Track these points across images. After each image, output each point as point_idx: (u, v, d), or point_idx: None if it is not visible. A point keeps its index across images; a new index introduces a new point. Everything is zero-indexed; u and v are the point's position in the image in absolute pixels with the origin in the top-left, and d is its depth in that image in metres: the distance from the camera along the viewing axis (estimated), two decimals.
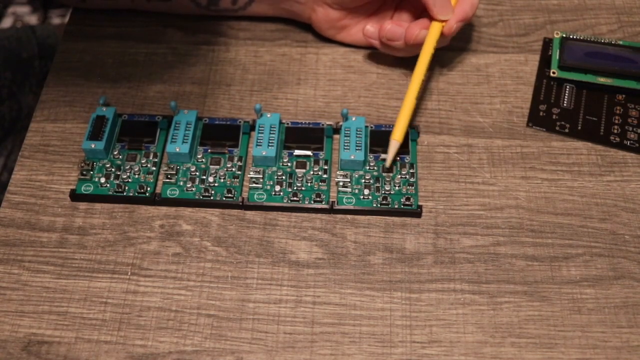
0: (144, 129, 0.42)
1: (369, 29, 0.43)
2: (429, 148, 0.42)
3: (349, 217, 0.39)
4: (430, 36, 0.41)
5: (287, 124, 0.42)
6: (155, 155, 0.41)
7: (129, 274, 0.37)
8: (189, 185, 0.40)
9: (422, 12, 0.43)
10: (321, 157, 0.41)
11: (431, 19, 0.41)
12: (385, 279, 0.37)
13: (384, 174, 0.40)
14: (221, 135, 0.42)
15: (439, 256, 0.37)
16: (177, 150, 0.40)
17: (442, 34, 0.41)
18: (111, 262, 0.37)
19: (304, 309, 0.36)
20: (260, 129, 0.41)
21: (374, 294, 0.36)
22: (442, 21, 0.41)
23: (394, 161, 0.40)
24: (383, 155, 0.40)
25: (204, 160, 0.41)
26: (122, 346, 0.35)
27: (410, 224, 0.39)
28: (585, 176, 0.40)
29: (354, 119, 0.42)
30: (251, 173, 0.40)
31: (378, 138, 0.41)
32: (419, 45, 0.41)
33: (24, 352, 0.34)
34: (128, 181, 0.40)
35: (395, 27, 0.41)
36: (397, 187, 0.39)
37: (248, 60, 0.46)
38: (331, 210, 0.39)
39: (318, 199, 0.39)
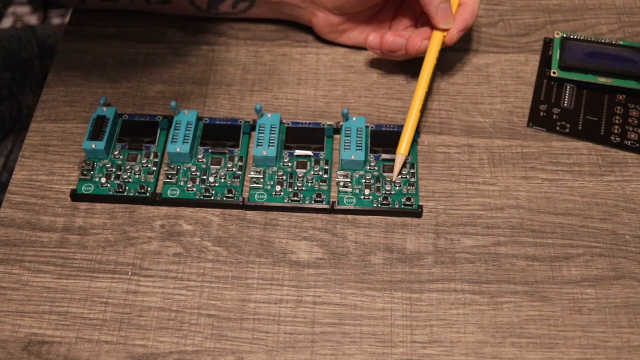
0: (145, 129, 0.42)
1: (371, 40, 0.43)
2: (430, 148, 0.42)
3: (349, 217, 0.39)
4: (432, 47, 0.41)
5: (288, 124, 0.42)
6: (155, 155, 0.41)
7: (130, 274, 0.37)
8: (189, 185, 0.40)
9: (420, 16, 0.44)
10: (322, 157, 0.41)
11: (432, 28, 0.41)
12: (385, 279, 0.37)
13: (385, 174, 0.40)
14: (222, 135, 0.42)
15: (440, 256, 0.37)
16: (178, 150, 0.40)
17: (443, 44, 0.41)
18: (112, 262, 0.37)
19: (305, 309, 0.36)
20: (260, 129, 0.41)
21: (374, 294, 0.36)
22: (444, 30, 0.41)
23: (394, 160, 0.40)
24: (384, 155, 0.40)
25: (204, 160, 0.41)
26: (123, 346, 0.35)
27: (410, 224, 0.39)
28: (586, 176, 0.40)
29: (354, 119, 0.42)
30: (252, 173, 0.40)
31: (378, 138, 0.41)
32: (420, 55, 0.41)
33: (25, 352, 0.34)
34: (128, 181, 0.40)
35: (397, 38, 0.42)
36: (397, 187, 0.39)
37: (248, 60, 0.46)
38: (332, 210, 0.39)
39: (318, 199, 0.39)
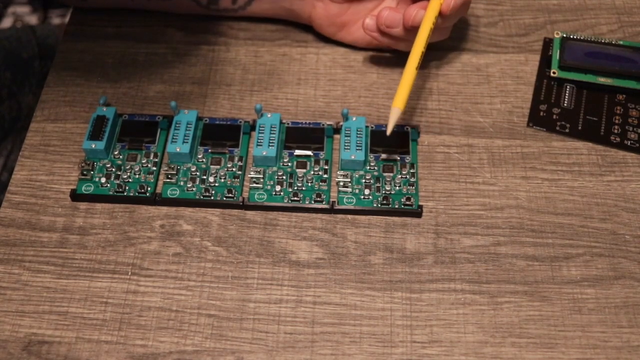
0: (145, 129, 0.42)
1: (368, 22, 0.42)
2: (430, 148, 0.42)
3: (349, 217, 0.39)
4: (429, 11, 0.39)
5: (288, 124, 0.42)
6: (155, 155, 0.41)
7: (130, 274, 0.37)
8: (189, 185, 0.40)
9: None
10: (321, 157, 0.41)
11: None
12: (385, 279, 0.37)
13: (385, 174, 0.40)
14: (222, 135, 0.42)
15: (440, 256, 0.37)
16: (178, 150, 0.40)
17: (440, 13, 0.40)
18: (112, 262, 0.37)
19: (305, 309, 0.36)
20: (260, 129, 0.41)
21: (374, 294, 0.36)
22: None
23: (394, 160, 0.40)
24: (384, 155, 0.40)
25: (204, 160, 0.41)
26: (123, 346, 0.35)
27: (410, 224, 0.39)
28: (586, 176, 0.40)
29: (354, 118, 0.42)
30: (252, 173, 0.40)
31: (378, 138, 0.41)
32: (417, 29, 0.40)
33: (25, 352, 0.34)
34: (128, 181, 0.40)
35: (393, 13, 0.41)
36: (397, 187, 0.39)
37: (248, 60, 0.46)
38: (332, 210, 0.39)
39: (318, 199, 0.39)
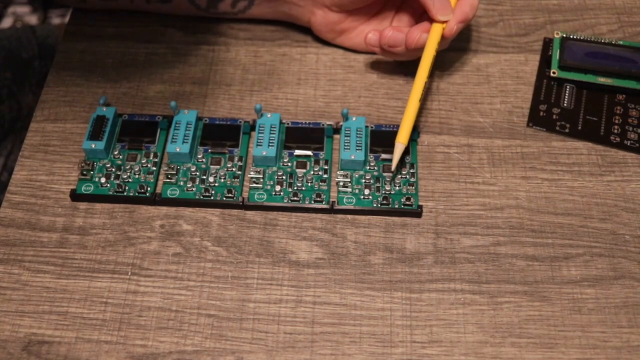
0: (144, 129, 0.42)
1: (370, 37, 0.43)
2: (430, 148, 0.42)
3: (349, 217, 0.39)
4: (432, 38, 0.40)
5: (288, 124, 0.42)
6: (155, 155, 0.41)
7: (129, 274, 0.37)
8: (189, 185, 0.40)
9: (422, 15, 0.43)
10: (321, 157, 0.41)
11: (431, 21, 0.41)
12: (385, 279, 0.37)
13: (384, 174, 0.40)
14: (221, 135, 0.42)
15: (439, 256, 0.37)
16: (178, 150, 0.40)
17: (442, 36, 0.41)
18: (111, 262, 0.37)
19: (304, 309, 0.36)
20: (260, 129, 0.41)
21: (374, 294, 0.36)
22: (442, 22, 0.41)
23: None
24: (384, 155, 0.40)
25: (204, 160, 0.41)
26: (123, 346, 0.35)
27: (410, 224, 0.39)
28: (586, 176, 0.40)
29: (354, 119, 0.42)
30: (251, 173, 0.40)
31: (378, 138, 0.41)
32: (420, 50, 0.41)
33: (24, 352, 0.34)
34: (128, 181, 0.40)
35: (396, 33, 0.41)
36: (397, 187, 0.39)
37: (248, 60, 0.46)
38: (331, 210, 0.39)
39: (318, 199, 0.39)
